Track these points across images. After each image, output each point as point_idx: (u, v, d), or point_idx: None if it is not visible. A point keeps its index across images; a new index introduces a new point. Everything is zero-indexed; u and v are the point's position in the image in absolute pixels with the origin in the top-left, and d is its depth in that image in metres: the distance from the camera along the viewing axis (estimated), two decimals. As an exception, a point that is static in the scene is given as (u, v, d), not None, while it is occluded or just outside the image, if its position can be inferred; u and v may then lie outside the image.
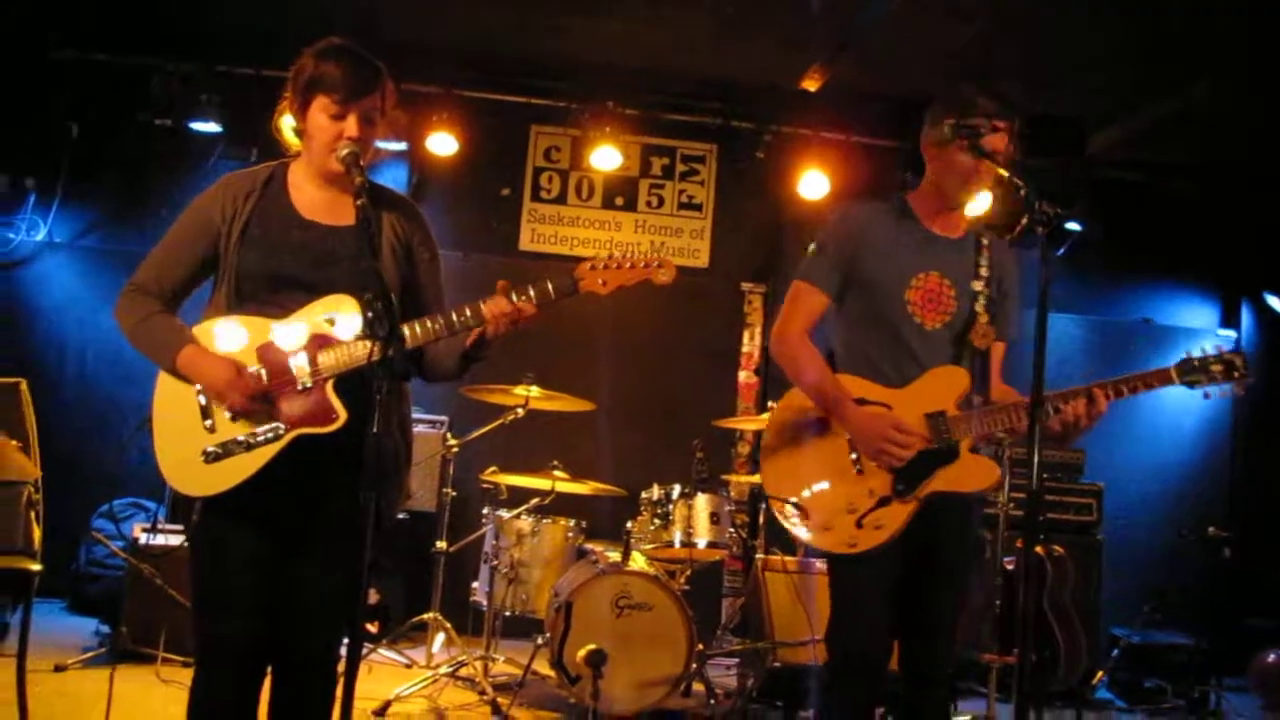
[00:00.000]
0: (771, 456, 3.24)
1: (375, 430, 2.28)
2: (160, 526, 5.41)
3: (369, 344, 2.37)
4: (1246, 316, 8.06)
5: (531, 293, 2.67)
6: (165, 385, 2.70)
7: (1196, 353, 3.02)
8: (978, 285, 3.12)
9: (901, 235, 3.15)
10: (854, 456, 3.08)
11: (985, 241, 3.18)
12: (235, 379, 2.60)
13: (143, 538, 5.28)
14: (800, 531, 3.14)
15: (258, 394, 2.62)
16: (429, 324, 2.67)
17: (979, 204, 6.78)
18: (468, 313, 2.66)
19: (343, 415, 2.62)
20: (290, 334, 2.65)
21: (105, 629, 5.51)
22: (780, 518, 3.21)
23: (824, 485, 3.12)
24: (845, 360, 3.18)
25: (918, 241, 3.14)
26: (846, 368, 3.16)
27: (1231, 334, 8.00)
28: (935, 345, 3.09)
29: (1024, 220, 2.87)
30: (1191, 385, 3.02)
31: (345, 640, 2.39)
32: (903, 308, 3.09)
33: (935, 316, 3.10)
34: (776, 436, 3.24)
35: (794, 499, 3.15)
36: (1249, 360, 3.02)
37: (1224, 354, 3.00)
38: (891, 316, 3.10)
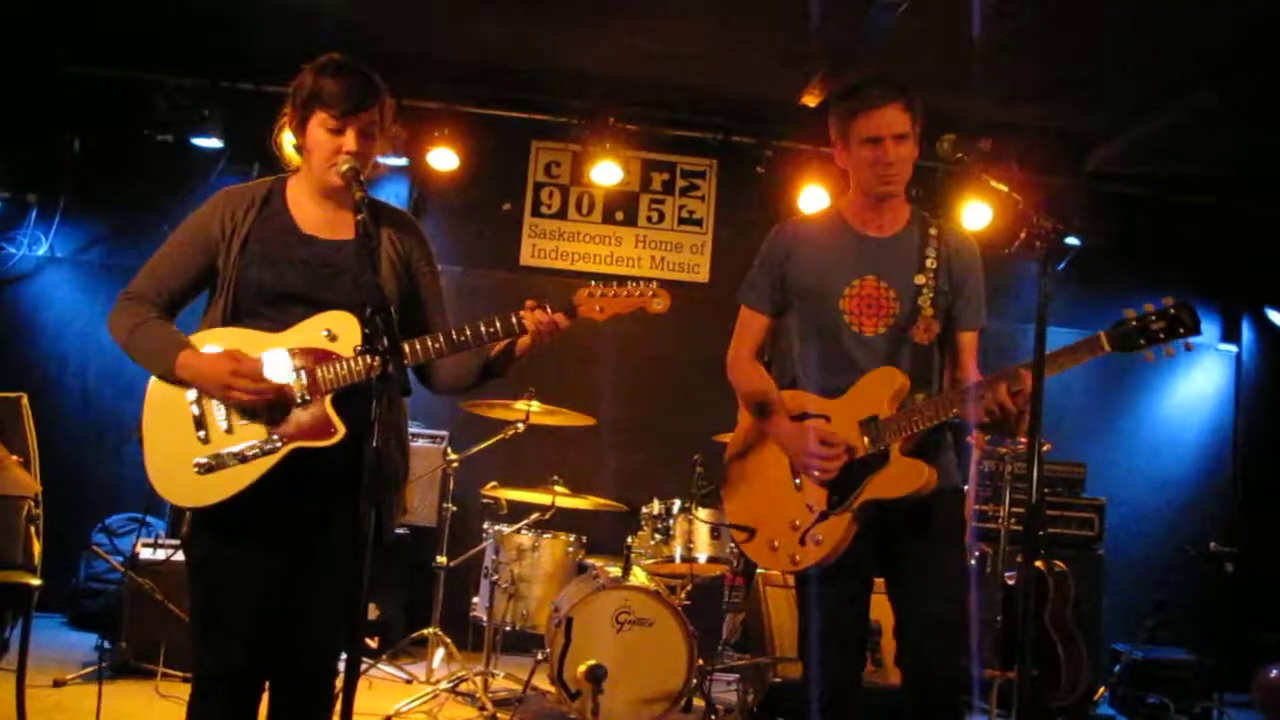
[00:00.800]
0: (728, 480, 3.27)
1: (375, 444, 2.28)
2: (159, 541, 5.41)
3: (368, 359, 2.37)
4: (1247, 331, 8.06)
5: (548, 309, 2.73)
6: (156, 395, 2.69)
7: (1135, 310, 2.75)
8: (920, 279, 3.05)
9: (833, 244, 3.13)
10: (794, 473, 3.08)
11: (934, 231, 3.11)
12: (238, 367, 2.59)
13: (143, 553, 5.27)
14: (751, 551, 3.16)
15: (261, 380, 2.60)
16: (430, 342, 2.69)
17: (977, 219, 6.82)
18: (497, 325, 2.69)
19: (341, 429, 2.62)
20: (289, 348, 2.66)
21: (105, 644, 5.50)
22: (735, 540, 3.23)
23: (769, 503, 3.12)
24: (796, 375, 3.17)
25: (850, 248, 3.11)
26: (794, 382, 3.16)
27: (1232, 348, 8.01)
28: (877, 350, 3.05)
29: (1022, 234, 2.82)
30: (1129, 349, 2.73)
31: (344, 655, 2.38)
32: (838, 317, 3.07)
33: (875, 322, 3.06)
34: (731, 459, 3.28)
35: (741, 520, 3.17)
36: (1196, 316, 2.71)
37: (1167, 306, 2.71)
38: (829, 327, 3.08)
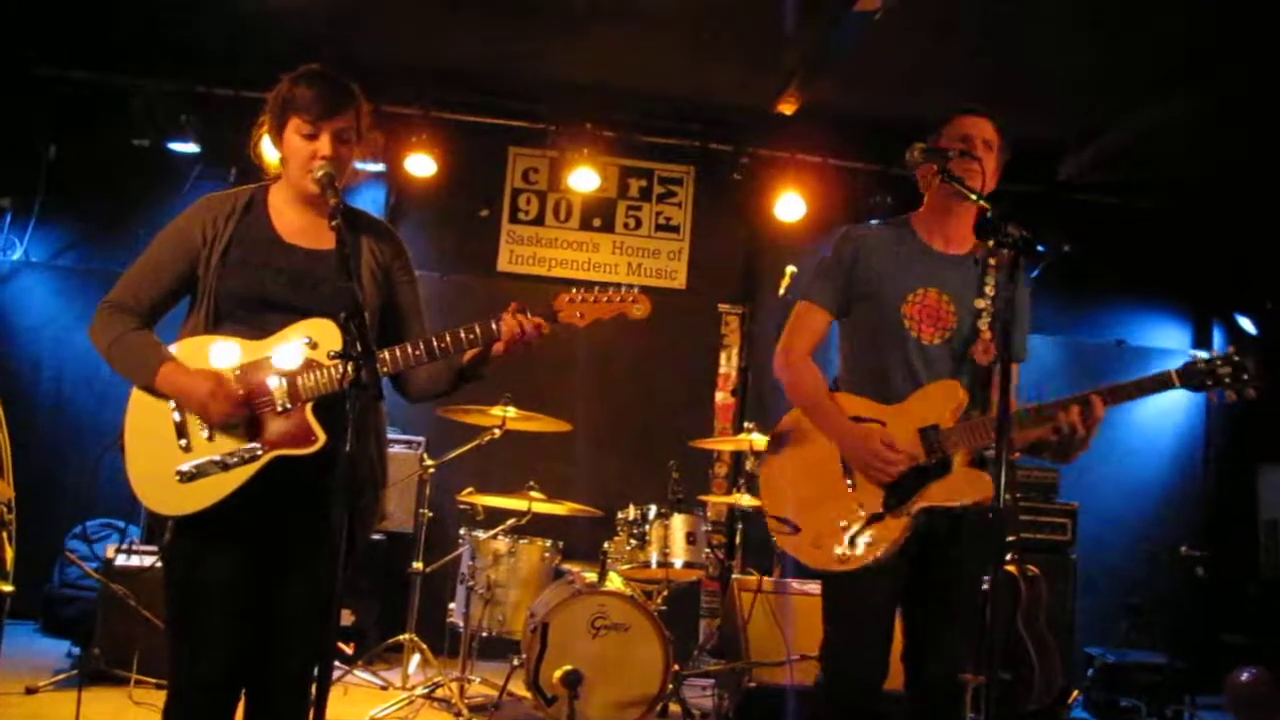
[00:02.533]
0: (769, 473, 3.28)
1: (348, 450, 2.29)
2: (134, 547, 5.39)
3: (343, 364, 2.38)
4: (1218, 336, 8.15)
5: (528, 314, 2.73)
6: (138, 403, 2.69)
7: (1203, 355, 2.95)
8: (980, 303, 3.13)
9: (901, 252, 3.19)
10: (846, 473, 3.11)
11: (993, 261, 3.18)
12: (216, 389, 2.60)
13: (117, 559, 5.25)
14: (791, 546, 3.16)
15: (240, 403, 2.62)
16: (410, 349, 2.69)
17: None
18: (476, 331, 2.69)
19: (322, 437, 2.62)
20: (270, 356, 2.66)
21: (78, 650, 5.47)
22: (774, 534, 3.22)
23: (816, 501, 3.13)
24: (846, 378, 3.23)
25: (917, 258, 3.18)
26: (847, 386, 3.21)
27: (1203, 354, 8.07)
28: (935, 361, 3.11)
29: (989, 243, 2.88)
30: (1196, 389, 2.93)
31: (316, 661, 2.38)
32: (900, 322, 3.12)
33: (934, 332, 3.12)
34: (776, 454, 3.29)
35: (785, 515, 3.17)
36: (1260, 365, 2.90)
37: (1232, 355, 2.91)
38: (890, 331, 3.13)
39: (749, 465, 5.78)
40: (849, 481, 3.10)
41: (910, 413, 3.08)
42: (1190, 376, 2.91)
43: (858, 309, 3.21)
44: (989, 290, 3.14)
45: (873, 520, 3.04)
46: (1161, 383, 2.93)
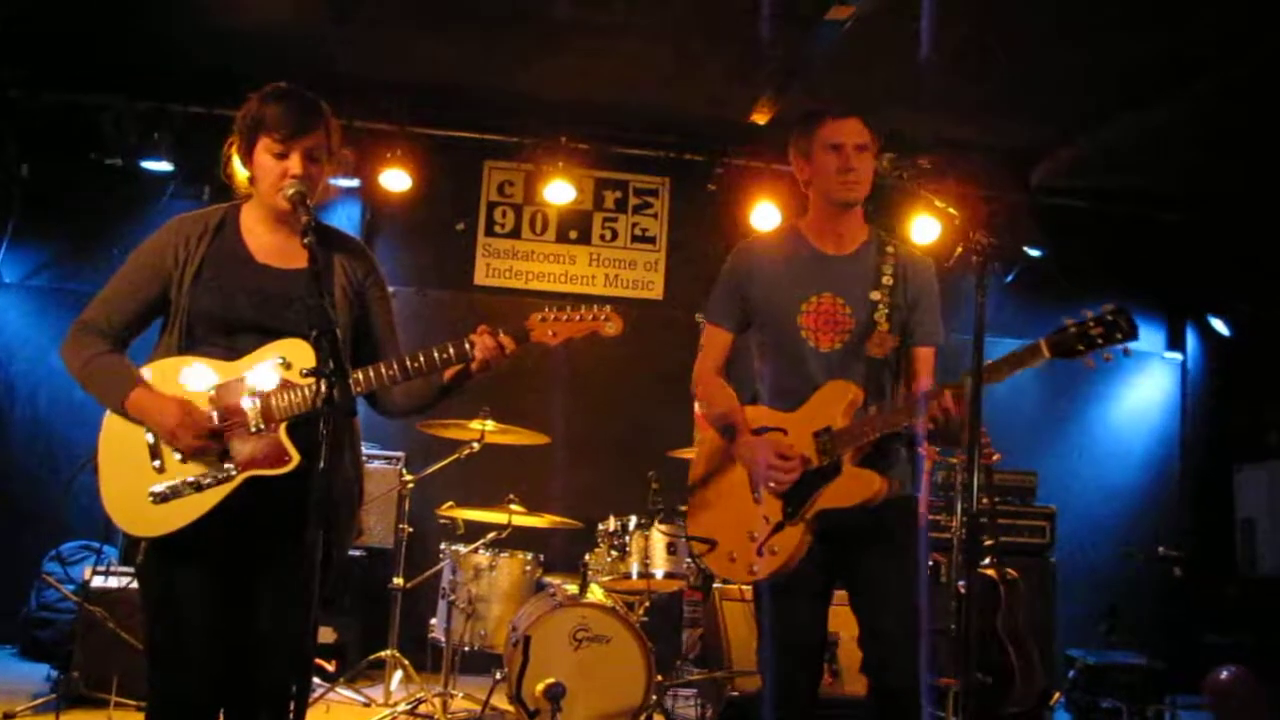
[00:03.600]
0: (692, 495, 3.34)
1: (322, 467, 2.29)
2: (112, 569, 5.35)
3: (315, 383, 2.39)
4: (1192, 339, 8.23)
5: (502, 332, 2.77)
6: (112, 425, 2.69)
7: (1071, 318, 2.75)
8: (876, 295, 3.15)
9: (791, 261, 3.23)
10: (753, 485, 3.15)
11: (890, 249, 3.21)
12: (185, 418, 2.60)
13: (94, 581, 5.21)
14: (711, 563, 3.23)
15: (208, 433, 2.62)
16: (384, 369, 2.70)
17: (925, 234, 6.92)
18: (450, 350, 2.71)
19: (295, 457, 2.62)
20: (243, 377, 2.66)
21: (57, 674, 5.42)
22: (697, 554, 3.28)
23: (730, 516, 3.18)
24: (756, 391, 3.26)
25: (808, 265, 3.21)
26: (756, 399, 3.25)
27: (1178, 356, 8.16)
28: (836, 365, 3.13)
29: (959, 249, 2.89)
30: (1068, 355, 2.73)
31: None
32: (796, 333, 3.16)
33: (831, 338, 3.15)
34: (695, 475, 3.36)
35: (702, 533, 3.24)
36: (1133, 321, 2.69)
37: (1105, 312, 2.70)
38: (788, 342, 3.17)
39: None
40: (756, 494, 3.13)
41: (808, 418, 3.10)
42: (1061, 345, 2.73)
43: (757, 323, 3.26)
44: (886, 280, 3.15)
45: (776, 530, 3.06)
46: (1032, 353, 2.77)
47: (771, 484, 3.06)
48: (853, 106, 3.21)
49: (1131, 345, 2.74)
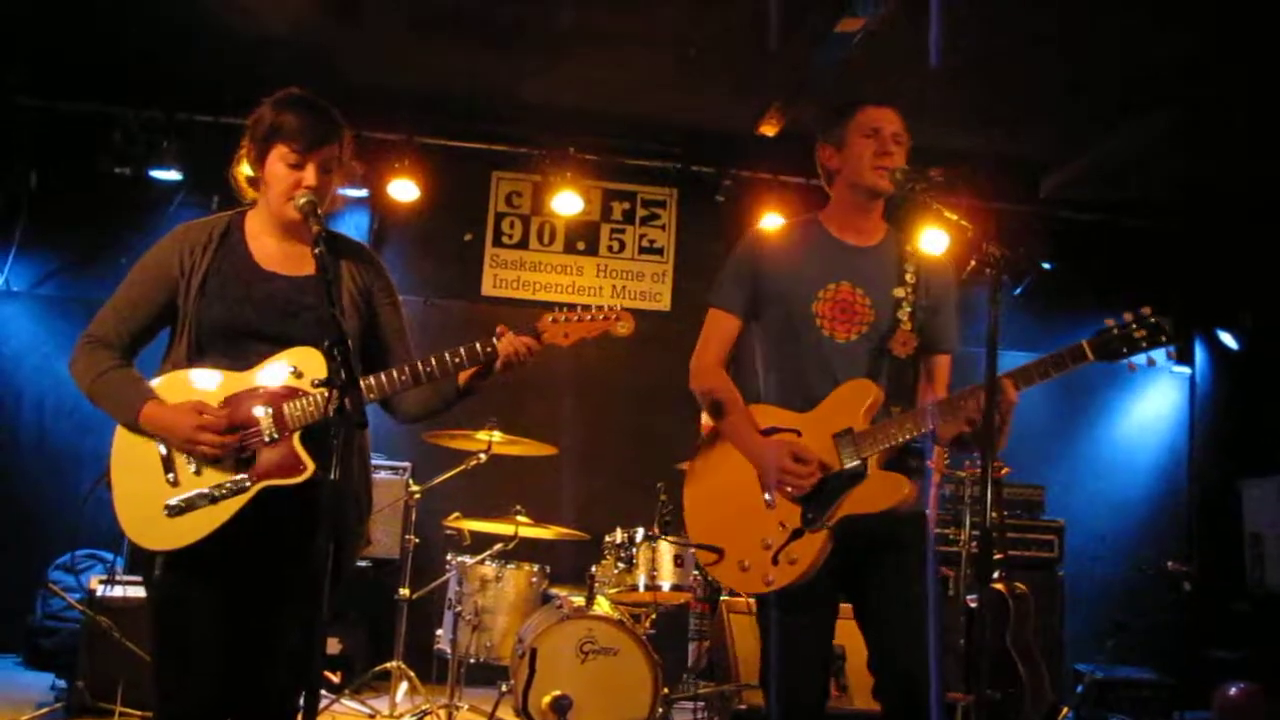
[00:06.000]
0: (692, 497, 3.14)
1: (333, 478, 2.28)
2: (118, 578, 5.34)
3: (328, 393, 2.38)
4: (1200, 352, 8.20)
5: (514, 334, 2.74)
6: (123, 438, 2.67)
7: (1113, 319, 2.74)
8: (900, 291, 3.02)
9: (808, 248, 3.10)
10: (765, 489, 2.97)
11: (910, 249, 3.11)
12: (201, 421, 2.58)
13: (100, 590, 5.20)
14: (719, 573, 3.06)
15: (226, 430, 2.59)
16: (395, 375, 2.69)
17: (936, 246, 6.91)
18: (462, 354, 2.69)
19: (310, 466, 2.61)
20: (255, 386, 2.65)
21: (62, 684, 5.41)
22: (702, 563, 3.12)
23: (739, 523, 2.98)
24: (764, 388, 3.08)
25: (825, 251, 3.09)
26: (764, 396, 3.07)
27: (1186, 370, 8.13)
28: (851, 359, 2.99)
29: (972, 262, 2.84)
30: (1112, 359, 2.72)
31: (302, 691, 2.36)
32: (811, 321, 3.01)
33: (848, 328, 3.01)
34: (696, 475, 3.15)
35: (708, 540, 3.04)
36: (1174, 326, 2.71)
37: (1148, 316, 2.71)
38: (801, 332, 3.01)
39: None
40: (767, 498, 2.94)
41: (825, 418, 2.94)
42: (1105, 346, 2.72)
43: (767, 312, 3.09)
44: (909, 279, 3.03)
45: (794, 536, 2.89)
46: (1074, 356, 2.74)
47: (789, 489, 2.90)
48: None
49: (1140, 361, 2.72)
